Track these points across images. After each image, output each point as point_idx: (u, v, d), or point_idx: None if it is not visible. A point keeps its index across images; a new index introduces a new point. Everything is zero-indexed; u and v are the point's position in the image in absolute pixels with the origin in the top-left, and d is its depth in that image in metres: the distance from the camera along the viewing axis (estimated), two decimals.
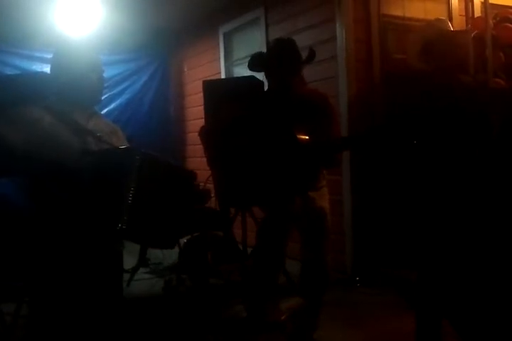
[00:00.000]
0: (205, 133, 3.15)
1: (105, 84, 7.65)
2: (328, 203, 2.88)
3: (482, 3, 4.65)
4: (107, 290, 2.13)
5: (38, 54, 6.06)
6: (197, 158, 6.27)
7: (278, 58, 2.75)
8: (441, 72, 2.45)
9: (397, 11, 4.48)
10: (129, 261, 4.70)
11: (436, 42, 2.46)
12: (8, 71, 5.76)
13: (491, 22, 4.50)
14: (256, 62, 2.89)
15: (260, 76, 4.12)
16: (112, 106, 6.58)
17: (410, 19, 4.52)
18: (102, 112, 6.48)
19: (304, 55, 2.81)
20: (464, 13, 4.75)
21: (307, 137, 2.51)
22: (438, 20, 3.38)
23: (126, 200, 1.86)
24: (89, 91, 2.17)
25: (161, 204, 2.02)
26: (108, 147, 2.09)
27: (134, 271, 4.38)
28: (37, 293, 2.08)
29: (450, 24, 2.85)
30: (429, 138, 2.39)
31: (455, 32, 2.53)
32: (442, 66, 2.45)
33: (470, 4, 4.75)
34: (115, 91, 6.64)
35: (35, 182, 2.03)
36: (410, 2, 4.55)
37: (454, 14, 4.72)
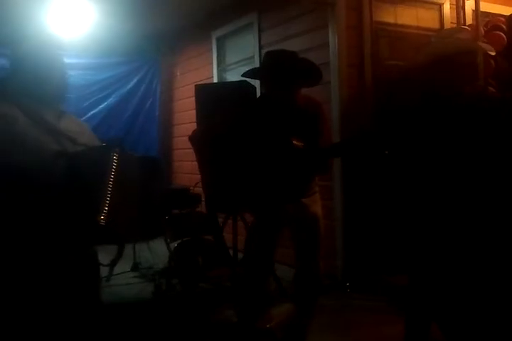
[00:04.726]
0: (197, 137, 3.13)
1: (94, 88, 7.63)
2: (320, 209, 2.88)
3: (473, 11, 4.71)
4: (83, 297, 2.06)
5: None
6: (184, 162, 6.27)
7: (280, 78, 2.67)
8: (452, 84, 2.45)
9: (389, 18, 4.50)
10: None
11: (455, 57, 2.45)
12: None
13: (482, 30, 4.56)
14: (252, 75, 2.88)
15: (252, 81, 4.14)
16: (98, 109, 6.54)
17: (402, 26, 4.55)
18: (88, 115, 6.49)
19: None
20: (455, 21, 4.80)
21: (301, 144, 2.51)
22: (459, 30, 3.30)
23: (105, 198, 1.84)
24: (53, 88, 2.07)
25: (136, 197, 2.04)
26: (83, 148, 2.00)
27: (112, 264, 4.28)
28: (11, 301, 1.98)
29: (468, 32, 2.80)
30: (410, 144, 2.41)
31: (474, 47, 2.50)
32: (454, 80, 2.45)
33: (461, 12, 4.82)
34: (103, 94, 6.61)
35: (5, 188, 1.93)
36: (402, 9, 4.58)
37: (445, 22, 4.76)
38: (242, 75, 2.89)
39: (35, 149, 1.88)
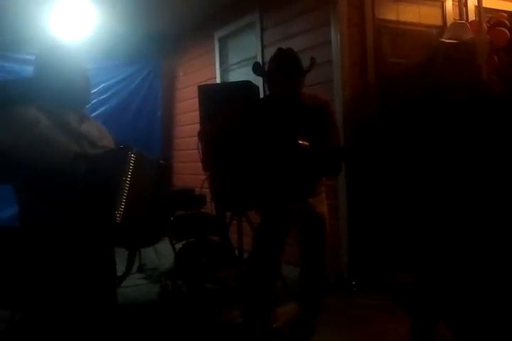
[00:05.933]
0: (205, 136, 3.13)
1: (95, 89, 7.66)
2: (326, 209, 2.88)
3: (476, 7, 4.68)
4: (100, 297, 2.12)
5: (31, 58, 6.03)
6: (186, 163, 6.26)
7: (283, 70, 2.69)
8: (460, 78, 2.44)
9: (391, 15, 4.49)
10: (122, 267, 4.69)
11: (455, 50, 2.44)
12: (0, 76, 5.71)
13: (485, 26, 4.53)
14: (257, 71, 2.88)
15: (254, 80, 4.13)
16: (100, 111, 6.51)
17: (404, 23, 4.53)
18: None
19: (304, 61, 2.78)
20: (458, 18, 4.78)
21: (308, 143, 2.50)
22: (456, 25, 3.28)
23: (121, 196, 1.90)
24: (77, 93, 2.15)
25: (149, 199, 2.10)
26: (102, 150, 2.09)
27: (127, 269, 4.33)
28: (31, 300, 2.06)
29: (468, 28, 2.80)
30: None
31: (470, 41, 2.51)
32: (460, 74, 2.44)
33: (464, 9, 4.80)
34: (104, 96, 6.61)
35: (29, 188, 2.00)
36: (404, 6, 4.56)
37: (448, 18, 4.73)
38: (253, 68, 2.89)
39: (56, 150, 1.96)
